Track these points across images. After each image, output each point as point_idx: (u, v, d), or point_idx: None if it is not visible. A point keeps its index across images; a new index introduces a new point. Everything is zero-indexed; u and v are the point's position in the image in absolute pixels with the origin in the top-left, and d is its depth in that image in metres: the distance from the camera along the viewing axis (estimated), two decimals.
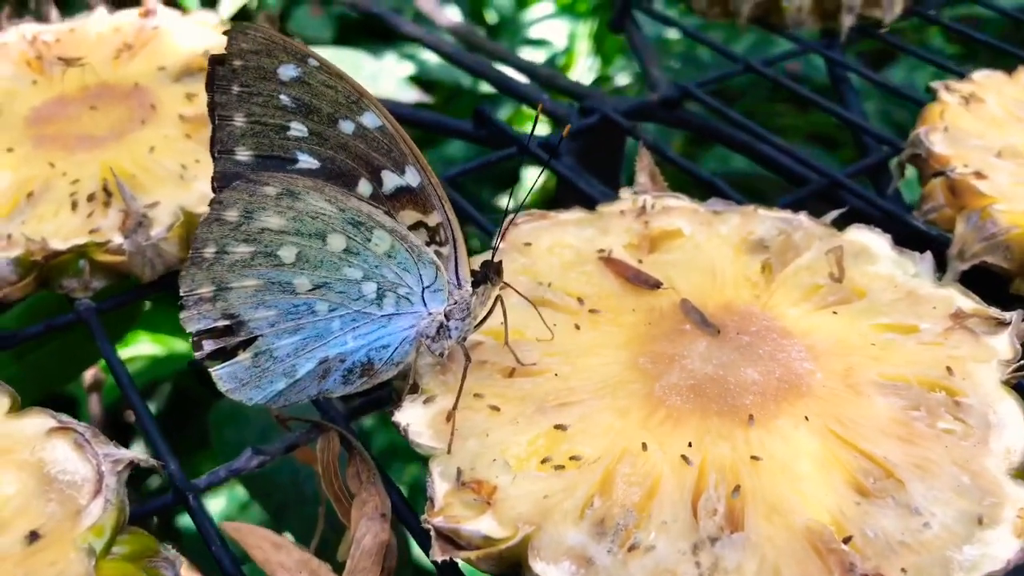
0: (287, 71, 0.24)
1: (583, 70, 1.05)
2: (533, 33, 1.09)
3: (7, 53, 0.44)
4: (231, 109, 0.25)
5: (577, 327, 0.29)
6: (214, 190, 0.25)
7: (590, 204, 0.36)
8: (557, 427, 0.25)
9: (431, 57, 0.92)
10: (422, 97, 0.75)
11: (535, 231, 0.33)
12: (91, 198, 0.35)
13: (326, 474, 0.28)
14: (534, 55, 1.05)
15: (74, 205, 0.35)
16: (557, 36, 1.09)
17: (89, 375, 0.63)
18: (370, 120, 0.25)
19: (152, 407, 0.75)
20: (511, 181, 0.92)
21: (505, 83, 0.50)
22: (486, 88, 0.90)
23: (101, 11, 0.47)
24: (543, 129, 0.72)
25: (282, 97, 0.25)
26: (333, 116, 0.25)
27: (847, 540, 0.23)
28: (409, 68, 0.92)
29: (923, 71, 0.88)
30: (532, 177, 0.94)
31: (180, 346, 0.74)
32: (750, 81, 0.83)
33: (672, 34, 1.00)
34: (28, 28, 0.46)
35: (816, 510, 0.24)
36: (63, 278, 0.34)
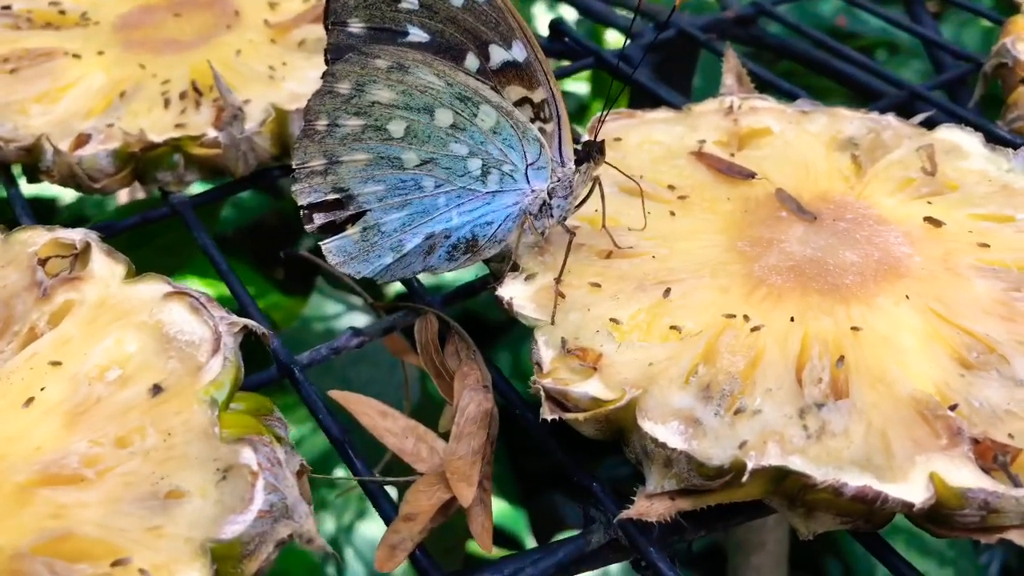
0: None
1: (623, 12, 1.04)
2: None
3: None
4: None
5: (672, 214, 0.30)
6: (326, 62, 0.26)
7: None
8: (664, 294, 0.26)
9: None
10: None
11: (624, 128, 0.33)
12: (183, 96, 0.36)
13: (425, 352, 0.29)
14: None
15: (166, 103, 0.36)
16: None
17: None
18: None
19: None
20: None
21: (579, 2, 0.50)
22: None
23: None
24: (614, 44, 0.71)
25: None
26: None
27: (953, 407, 0.23)
28: None
29: (971, 28, 0.87)
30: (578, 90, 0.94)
31: (226, 291, 0.75)
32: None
33: None
34: None
35: (920, 381, 0.24)
36: (158, 171, 0.34)
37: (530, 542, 0.81)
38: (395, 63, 0.25)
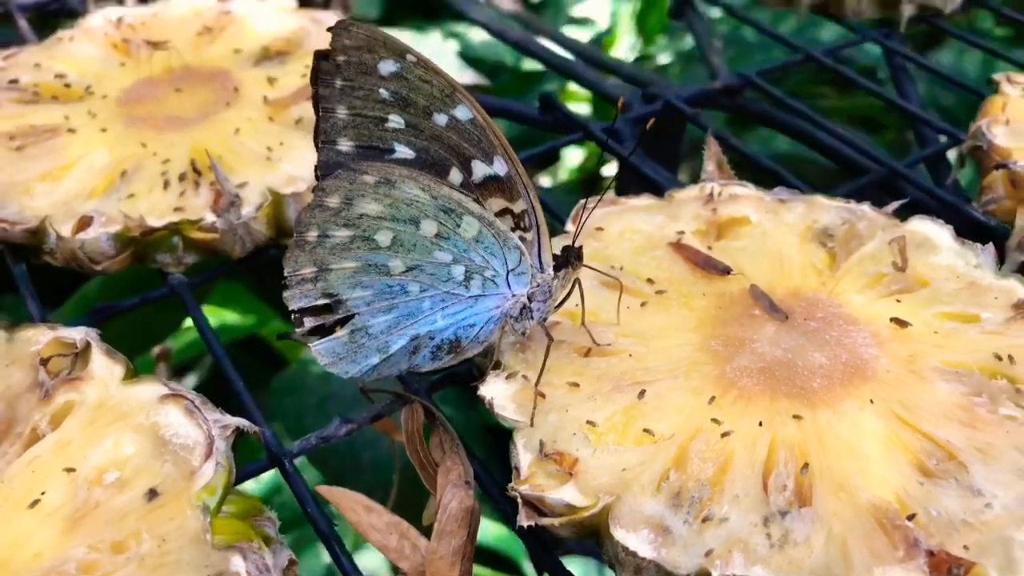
0: (387, 66, 0.26)
1: (625, 49, 1.06)
2: (576, 12, 1.10)
3: (94, 36, 0.46)
4: (334, 102, 0.26)
5: (647, 309, 0.31)
6: (317, 178, 0.27)
7: (654, 189, 0.37)
8: (639, 395, 0.27)
9: (475, 36, 0.93)
10: (478, 79, 0.76)
11: (606, 216, 0.35)
12: (182, 177, 0.37)
13: (411, 443, 0.30)
14: (577, 34, 1.06)
15: (166, 184, 0.37)
16: (600, 15, 1.09)
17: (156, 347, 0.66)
18: (462, 113, 0.27)
19: (194, 378, 0.78)
20: (551, 160, 0.94)
21: (565, 67, 0.51)
22: (529, 66, 0.91)
23: None
24: (604, 114, 0.73)
25: (381, 91, 0.26)
26: (428, 109, 0.26)
27: (911, 517, 0.24)
28: (453, 46, 0.93)
29: (971, 55, 0.88)
30: (571, 157, 0.95)
31: (230, 317, 0.77)
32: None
33: (714, 13, 1.01)
34: (113, 12, 0.48)
35: (881, 488, 0.25)
36: (157, 253, 0.36)
37: (527, 566, 0.83)
38: (382, 178, 0.26)
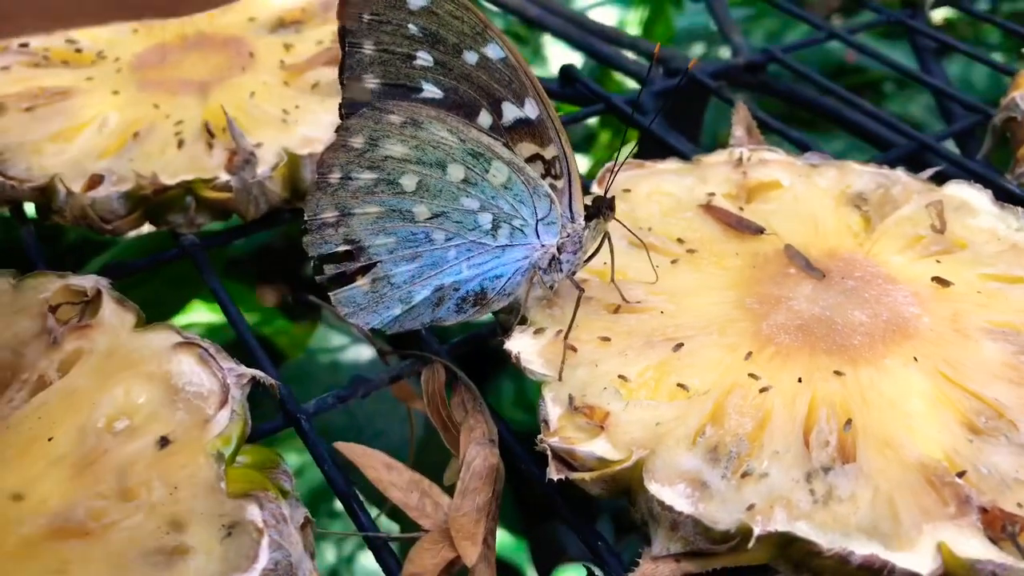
0: (416, 0, 0.25)
1: (633, 57, 1.05)
2: None
3: None
4: (361, 36, 0.25)
5: (678, 267, 0.30)
6: (341, 116, 0.26)
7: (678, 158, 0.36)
8: (674, 348, 0.26)
9: (490, 14, 0.92)
10: None
11: (633, 179, 0.34)
12: (196, 138, 0.36)
13: (432, 403, 0.29)
14: None
15: (180, 144, 0.36)
16: (607, 22, 1.09)
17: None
18: (493, 51, 0.25)
19: None
20: (586, 141, 0.93)
21: (584, 44, 0.50)
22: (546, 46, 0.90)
23: None
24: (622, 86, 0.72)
25: (410, 26, 0.25)
26: (458, 46, 0.25)
27: (961, 474, 0.23)
28: None
29: (979, 68, 0.87)
30: (605, 136, 0.94)
31: (221, 318, 0.75)
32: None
33: None
34: None
35: (928, 446, 0.24)
36: (170, 214, 0.35)
37: (531, 573, 0.81)
38: (409, 118, 0.25)
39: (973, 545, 0.22)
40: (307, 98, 0.38)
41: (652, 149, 0.41)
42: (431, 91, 0.26)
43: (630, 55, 0.49)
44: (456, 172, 0.26)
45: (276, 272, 0.91)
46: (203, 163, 0.35)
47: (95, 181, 0.34)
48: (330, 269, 0.27)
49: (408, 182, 0.26)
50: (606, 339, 0.27)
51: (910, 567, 0.21)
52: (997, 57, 0.52)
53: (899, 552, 0.22)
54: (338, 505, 0.68)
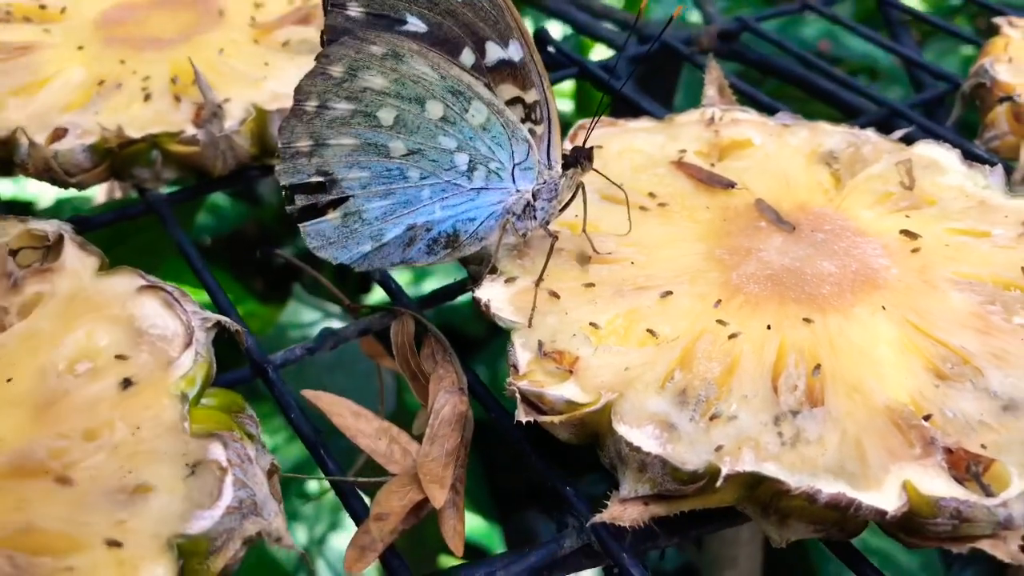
0: None
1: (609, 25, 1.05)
2: None
3: None
4: None
5: (649, 220, 0.30)
6: (322, 43, 0.25)
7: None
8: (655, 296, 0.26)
9: None
10: None
11: (604, 136, 0.33)
12: (162, 93, 0.36)
13: (400, 354, 0.28)
14: None
15: (146, 98, 0.35)
16: None
17: None
18: None
19: None
20: None
21: (558, 11, 0.50)
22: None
23: None
24: (600, 56, 0.71)
25: None
26: None
27: (927, 417, 0.23)
28: None
29: (952, 56, 0.88)
30: (562, 105, 0.94)
31: (202, 298, 0.75)
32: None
33: None
34: None
35: (895, 390, 0.24)
36: (135, 167, 0.34)
37: None
38: (390, 50, 0.25)
39: (937, 484, 0.22)
40: (277, 56, 0.38)
41: (625, 114, 0.41)
42: (415, 24, 0.25)
43: (606, 25, 0.48)
44: (435, 109, 0.26)
45: (248, 258, 0.90)
46: (170, 117, 0.35)
47: (59, 134, 0.34)
48: (301, 199, 0.26)
49: (385, 116, 0.26)
50: (583, 287, 0.27)
51: (876, 504, 0.21)
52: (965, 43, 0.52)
53: (865, 491, 0.22)
54: (312, 486, 0.68)
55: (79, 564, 0.20)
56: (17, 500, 0.21)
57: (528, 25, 0.92)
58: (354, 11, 0.25)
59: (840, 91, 0.43)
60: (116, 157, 0.34)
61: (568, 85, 1.08)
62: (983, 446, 0.23)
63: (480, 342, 0.78)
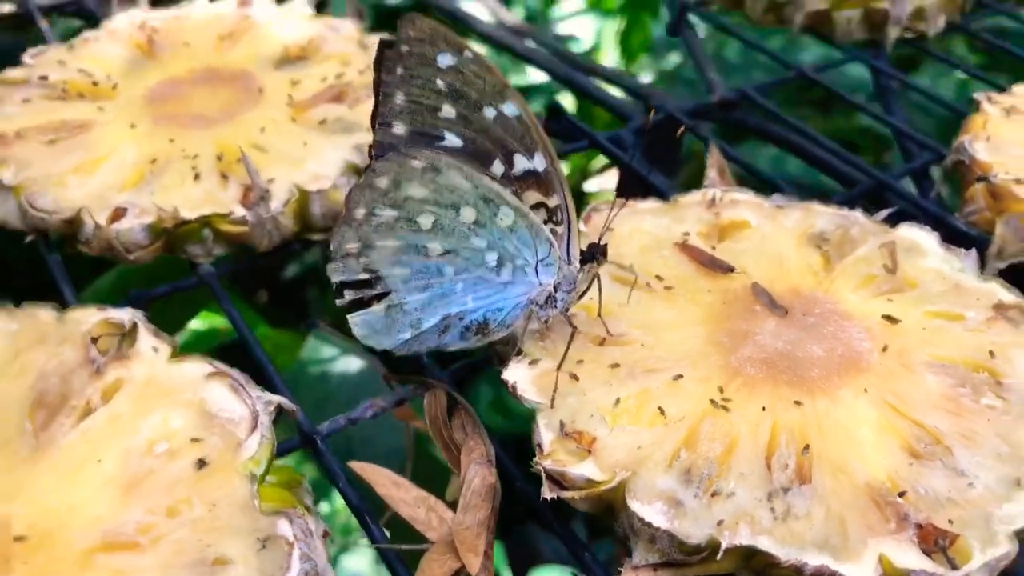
0: (445, 59, 0.28)
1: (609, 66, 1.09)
2: (561, 29, 1.13)
3: (119, 36, 0.48)
4: (394, 88, 0.28)
5: (656, 303, 0.33)
6: (371, 157, 0.29)
7: (656, 195, 0.39)
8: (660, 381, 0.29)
9: (476, 48, 0.96)
10: None
11: (615, 218, 0.37)
12: (211, 172, 0.39)
13: (434, 425, 0.32)
14: None
15: (196, 177, 0.39)
16: (585, 32, 1.12)
17: None
18: (510, 109, 0.29)
19: None
20: None
21: (571, 80, 0.53)
22: (528, 78, 0.93)
23: (202, 0, 0.51)
24: (593, 124, 0.75)
25: (438, 82, 0.28)
26: (479, 103, 0.28)
27: (902, 494, 0.27)
28: None
29: (946, 80, 0.91)
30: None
31: (219, 322, 0.78)
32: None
33: (700, 31, 1.04)
34: (136, 14, 0.49)
35: (875, 469, 0.28)
36: (188, 244, 0.37)
37: (507, 573, 0.85)
38: (430, 164, 0.28)
39: (909, 557, 0.25)
40: (314, 134, 0.41)
41: (632, 183, 0.45)
42: (452, 140, 0.29)
43: (614, 91, 0.52)
44: (468, 214, 0.29)
45: (259, 282, 0.94)
46: (219, 197, 0.38)
47: (119, 213, 0.37)
48: (350, 294, 0.30)
49: (425, 221, 0.29)
50: (599, 369, 0.30)
51: (854, 574, 0.25)
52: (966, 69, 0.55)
53: (846, 563, 0.25)
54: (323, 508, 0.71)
55: None
56: (113, 571, 0.24)
57: (534, 98, 0.95)
58: (398, 129, 0.29)
59: (833, 160, 0.47)
60: (170, 235, 0.37)
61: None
62: (950, 521, 0.26)
63: (483, 363, 0.82)
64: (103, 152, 0.40)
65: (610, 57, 1.09)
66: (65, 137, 0.41)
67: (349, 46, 0.47)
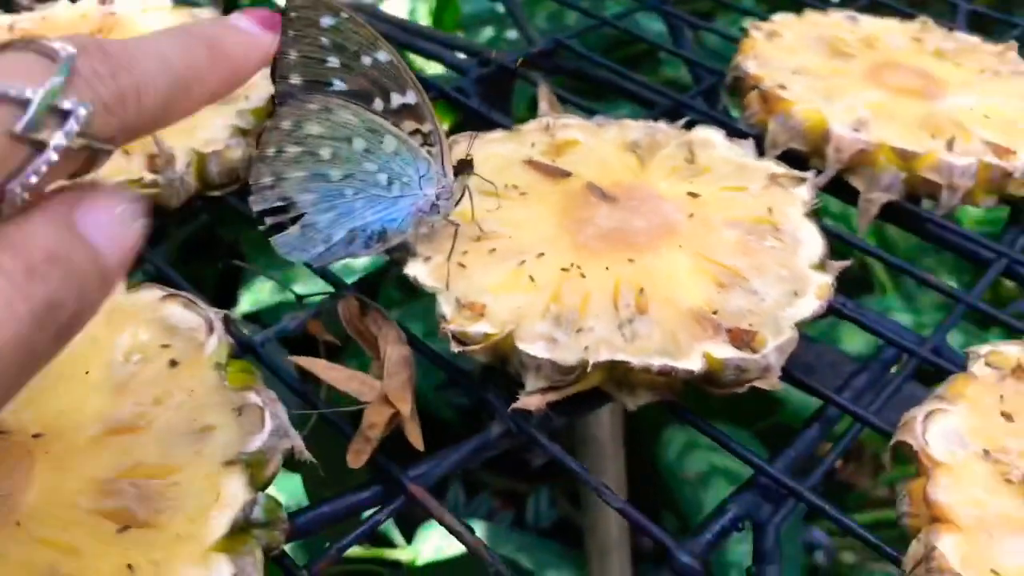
0: (326, 20, 0.34)
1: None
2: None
3: None
4: (287, 47, 0.34)
5: (516, 206, 0.41)
6: (273, 104, 0.35)
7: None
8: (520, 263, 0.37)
9: None
10: None
11: (472, 148, 0.45)
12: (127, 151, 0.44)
13: (350, 324, 0.39)
14: None
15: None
16: (399, 11, 1.19)
17: None
18: (383, 56, 0.36)
19: None
20: None
21: (409, 42, 0.61)
22: None
23: (63, 1, 0.55)
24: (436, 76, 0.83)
25: (322, 39, 0.35)
26: (357, 53, 0.35)
27: (715, 312, 0.36)
28: None
29: (735, 26, 1.05)
30: None
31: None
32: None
33: None
34: (4, 18, 0.53)
35: (693, 298, 0.37)
36: None
37: (396, 535, 0.93)
38: (323, 106, 0.35)
39: (724, 350, 0.35)
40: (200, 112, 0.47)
41: (478, 124, 0.53)
42: (339, 85, 0.35)
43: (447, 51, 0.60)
44: (359, 144, 0.36)
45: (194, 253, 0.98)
46: (128, 168, 0.43)
47: None
48: (270, 220, 0.36)
49: (325, 152, 0.36)
50: (480, 256, 0.38)
51: (688, 367, 0.34)
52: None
53: (681, 360, 0.34)
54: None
55: (179, 479, 0.30)
56: (121, 449, 0.30)
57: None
58: (294, 80, 0.35)
59: (638, 89, 0.56)
60: None
61: None
62: (751, 324, 0.36)
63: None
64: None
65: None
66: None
67: None
